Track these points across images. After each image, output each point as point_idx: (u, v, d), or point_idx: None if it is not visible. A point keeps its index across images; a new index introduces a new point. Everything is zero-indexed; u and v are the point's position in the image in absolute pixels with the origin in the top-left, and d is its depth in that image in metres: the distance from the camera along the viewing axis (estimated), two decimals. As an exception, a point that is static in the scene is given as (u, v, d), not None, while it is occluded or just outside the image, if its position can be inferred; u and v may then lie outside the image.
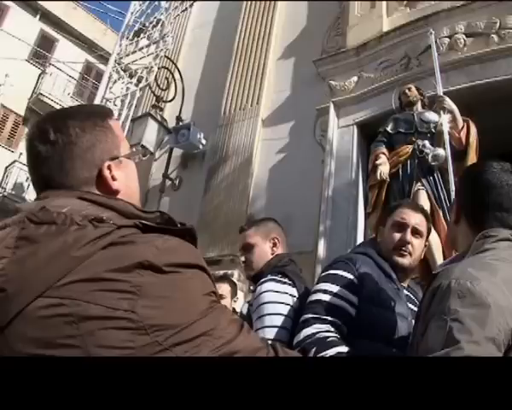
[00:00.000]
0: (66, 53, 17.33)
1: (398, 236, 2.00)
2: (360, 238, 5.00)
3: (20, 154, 15.96)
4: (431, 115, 4.29)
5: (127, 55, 7.41)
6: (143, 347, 0.77)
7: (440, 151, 4.01)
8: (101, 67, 15.98)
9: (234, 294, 3.92)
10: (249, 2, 7.62)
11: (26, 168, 15.25)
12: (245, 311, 3.37)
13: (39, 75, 17.22)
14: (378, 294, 1.84)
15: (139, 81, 7.03)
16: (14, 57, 15.13)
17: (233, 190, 6.37)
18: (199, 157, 7.18)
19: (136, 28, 7.56)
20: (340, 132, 5.66)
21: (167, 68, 7.55)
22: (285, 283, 2.04)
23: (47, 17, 17.65)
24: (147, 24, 7.49)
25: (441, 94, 4.17)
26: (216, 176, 6.65)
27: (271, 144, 6.44)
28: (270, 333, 1.88)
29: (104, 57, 14.77)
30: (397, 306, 1.84)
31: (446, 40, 5.04)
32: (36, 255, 0.81)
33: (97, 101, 6.93)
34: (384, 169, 4.26)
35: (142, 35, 7.59)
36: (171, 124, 7.35)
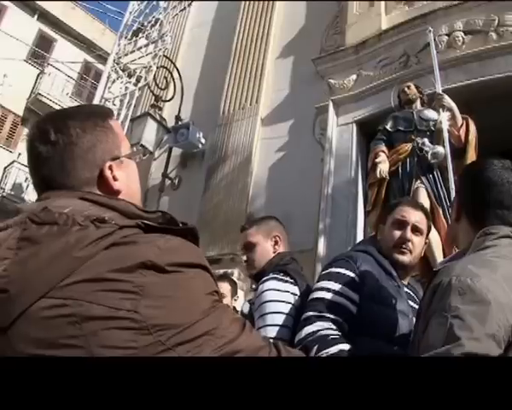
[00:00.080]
0: (65, 53, 17.30)
1: (398, 233, 2.00)
2: (360, 236, 5.00)
3: (19, 154, 15.94)
4: (430, 113, 4.29)
5: (126, 55, 7.40)
6: (146, 347, 0.77)
7: (440, 149, 4.02)
8: (100, 66, 15.97)
9: (234, 293, 3.93)
10: (248, 2, 7.62)
11: (24, 169, 15.28)
12: (245, 310, 3.37)
13: (38, 75, 17.20)
14: (379, 291, 1.84)
15: (138, 81, 7.03)
16: (12, 57, 15.10)
17: (232, 189, 6.37)
18: (198, 156, 7.18)
19: (134, 28, 7.55)
20: (340, 131, 5.66)
21: (166, 68, 7.54)
22: (287, 281, 2.04)
23: (45, 17, 17.62)
24: (145, 23, 7.48)
25: (440, 92, 4.18)
26: (215, 175, 6.65)
27: (271, 143, 6.44)
28: (272, 332, 1.88)
29: (103, 57, 14.74)
30: (398, 303, 1.85)
31: (445, 38, 5.04)
32: (38, 256, 0.81)
33: (96, 100, 6.93)
34: (384, 167, 4.26)
35: (140, 35, 7.58)
36: (171, 123, 7.34)
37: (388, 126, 4.44)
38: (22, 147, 16.02)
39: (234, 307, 3.50)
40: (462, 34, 5.00)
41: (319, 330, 1.71)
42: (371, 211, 4.47)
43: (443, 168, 4.04)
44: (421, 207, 2.16)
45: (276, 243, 2.25)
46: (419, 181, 4.11)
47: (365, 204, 4.93)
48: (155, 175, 7.37)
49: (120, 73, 7.03)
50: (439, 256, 3.75)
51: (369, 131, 5.24)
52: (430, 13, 5.20)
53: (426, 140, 4.15)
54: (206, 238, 5.80)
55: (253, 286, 2.61)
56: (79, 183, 0.96)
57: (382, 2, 5.86)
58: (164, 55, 7.37)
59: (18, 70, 16.13)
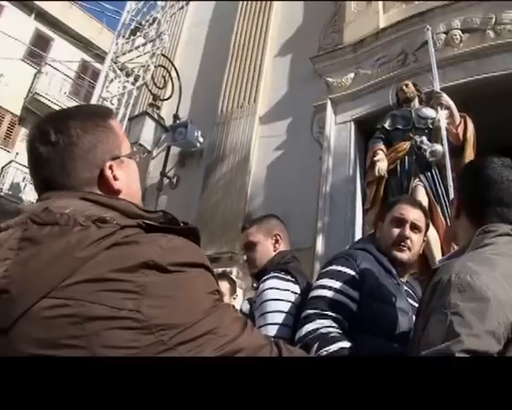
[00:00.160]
0: (62, 52, 17.27)
1: (397, 231, 2.01)
2: (358, 234, 5.01)
3: (17, 154, 15.92)
4: (428, 111, 4.29)
5: (124, 54, 7.38)
6: (148, 346, 0.77)
7: (438, 147, 4.02)
8: (98, 66, 15.94)
9: (233, 291, 3.93)
10: (246, 1, 7.61)
11: (22, 168, 15.26)
12: (245, 308, 3.38)
13: (35, 74, 17.17)
14: (379, 289, 1.85)
15: (136, 80, 7.02)
16: (9, 57, 15.07)
17: (231, 188, 6.37)
18: (196, 155, 7.17)
19: (132, 27, 7.54)
20: (338, 129, 5.66)
21: (164, 67, 7.53)
22: (287, 280, 2.04)
23: (42, 16, 17.58)
24: (143, 22, 7.46)
25: (438, 90, 4.18)
26: (213, 174, 6.65)
27: (269, 142, 6.43)
28: (272, 330, 1.88)
29: (100, 56, 14.72)
30: (397, 301, 1.85)
31: (443, 36, 5.04)
32: (39, 256, 0.81)
33: (94, 100, 6.92)
34: (382, 165, 4.26)
35: (138, 33, 7.56)
36: (169, 122, 7.34)
37: (387, 125, 4.44)
38: (20, 147, 16.02)
39: (233, 306, 3.49)
40: (460, 32, 5.00)
41: (319, 328, 1.72)
42: (370, 209, 4.47)
43: (441, 166, 4.04)
44: (419, 205, 2.18)
45: (276, 241, 2.26)
46: (417, 179, 4.11)
47: (363, 202, 4.93)
48: (153, 174, 7.37)
49: (118, 72, 7.02)
50: (437, 254, 3.76)
51: (367, 130, 5.24)
52: (428, 11, 5.20)
53: (424, 138, 4.15)
54: (205, 237, 5.79)
55: (254, 285, 2.61)
56: (80, 183, 0.96)
57: (380, 1, 5.86)
58: (162, 54, 7.36)
59: (15, 69, 16.11)
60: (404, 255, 1.99)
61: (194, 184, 6.77)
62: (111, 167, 0.99)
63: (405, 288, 2.00)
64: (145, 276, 0.80)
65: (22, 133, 16.53)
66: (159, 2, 7.64)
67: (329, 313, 1.77)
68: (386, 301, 1.84)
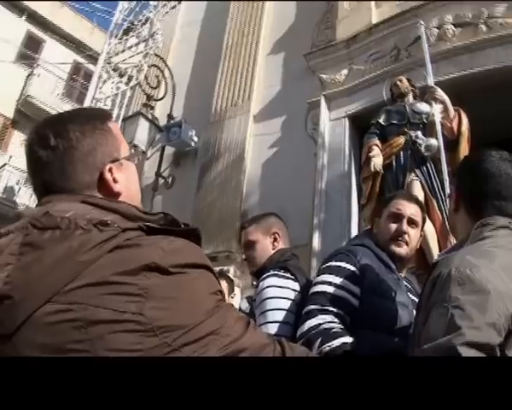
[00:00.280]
0: (54, 53, 17.20)
1: (394, 226, 2.02)
2: (354, 230, 5.02)
3: (10, 157, 15.83)
4: (423, 106, 4.30)
5: (116, 55, 7.35)
6: (152, 349, 0.77)
7: (433, 141, 4.03)
8: (90, 67, 15.87)
9: (231, 290, 3.94)
10: (238, 0, 7.60)
11: (16, 172, 15.21)
12: (244, 307, 3.38)
13: (27, 77, 17.08)
14: (379, 284, 1.86)
15: (129, 80, 6.99)
16: (0, 59, 14.98)
17: (226, 187, 6.37)
18: (191, 154, 7.16)
19: (124, 27, 7.50)
20: (332, 125, 5.66)
21: (157, 66, 7.52)
22: (287, 277, 2.04)
23: (33, 17, 17.46)
24: (135, 22, 7.43)
25: (432, 85, 4.19)
26: (209, 173, 6.64)
27: (263, 140, 6.43)
28: (273, 328, 1.89)
29: (92, 57, 14.66)
30: (398, 295, 1.87)
31: (435, 31, 5.05)
32: (41, 261, 0.81)
33: (87, 101, 6.89)
34: (377, 161, 4.27)
35: (131, 34, 7.53)
36: (163, 122, 7.32)
37: (381, 120, 4.44)
38: (13, 150, 15.95)
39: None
40: (453, 27, 5.01)
41: (322, 324, 1.72)
42: (366, 205, 4.48)
43: (436, 160, 4.05)
44: (415, 200, 2.19)
45: (275, 239, 2.26)
46: (413, 174, 4.12)
47: (359, 198, 4.94)
48: (148, 174, 7.35)
49: (111, 72, 6.99)
50: (434, 248, 3.78)
51: (361, 125, 5.25)
52: (420, 6, 5.21)
53: (419, 133, 4.16)
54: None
55: (254, 283, 2.62)
56: (80, 186, 0.96)
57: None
58: (155, 54, 7.34)
59: (7, 72, 15.99)
60: (402, 250, 2.00)
61: (189, 184, 6.76)
62: (110, 170, 0.99)
63: (404, 283, 2.01)
64: (147, 278, 0.80)
65: (15, 136, 16.46)
66: (151, 2, 7.60)
67: (331, 309, 1.78)
68: (387, 296, 1.85)
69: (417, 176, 4.10)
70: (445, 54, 4.96)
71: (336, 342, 1.64)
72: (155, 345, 0.78)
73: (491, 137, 3.76)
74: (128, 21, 7.45)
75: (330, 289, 1.83)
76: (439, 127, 4.01)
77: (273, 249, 2.23)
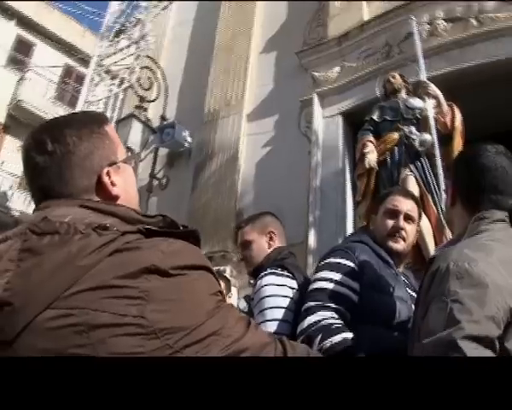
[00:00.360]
0: (45, 56, 17.12)
1: (391, 222, 2.03)
2: (349, 227, 5.04)
3: (3, 162, 15.75)
4: (416, 102, 4.31)
5: (108, 57, 7.33)
6: (154, 351, 0.77)
7: (427, 136, 4.04)
8: (82, 69, 15.81)
9: (228, 290, 3.94)
10: (228, 0, 7.59)
11: (9, 177, 15.14)
12: (241, 306, 3.38)
13: (18, 81, 16.99)
14: (378, 280, 1.86)
15: (121, 82, 6.97)
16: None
17: (221, 187, 6.37)
18: (185, 155, 7.16)
19: (115, 29, 7.48)
20: (326, 122, 5.68)
21: (149, 68, 7.50)
22: (285, 276, 2.04)
23: (23, 21, 17.37)
24: (126, 24, 7.41)
25: (425, 80, 4.20)
26: (203, 173, 6.64)
27: (257, 139, 6.44)
28: (272, 327, 1.89)
29: (84, 60, 14.59)
30: (396, 290, 1.87)
31: (427, 26, 5.07)
32: (41, 267, 0.81)
33: (80, 104, 6.87)
34: (372, 157, 4.28)
35: (122, 35, 7.51)
36: (157, 123, 7.31)
37: (375, 117, 4.45)
38: (5, 155, 15.86)
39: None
40: (444, 22, 5.03)
41: (322, 320, 1.73)
42: (361, 201, 4.49)
43: (430, 155, 4.07)
44: (411, 196, 2.20)
45: (271, 238, 2.26)
46: (407, 169, 4.13)
47: (354, 195, 4.96)
48: (142, 176, 7.32)
49: (103, 75, 6.97)
50: (430, 243, 3.79)
51: (355, 122, 5.26)
52: (411, 2, 5.23)
53: (413, 128, 4.17)
54: (197, 237, 5.77)
55: (252, 281, 2.62)
56: (78, 190, 0.96)
57: (364, -3, 5.89)
58: (147, 56, 7.32)
59: (-3, 77, 15.94)
60: (399, 246, 2.01)
61: (183, 185, 6.76)
62: (108, 173, 0.99)
63: (402, 278, 2.02)
64: (148, 281, 0.80)
65: (7, 141, 16.37)
66: (142, 3, 7.58)
67: (331, 305, 1.78)
68: (386, 291, 1.85)
69: (412, 171, 4.11)
70: (437, 49, 4.98)
71: (336, 338, 1.65)
72: (157, 347, 0.78)
73: (480, 132, 3.77)
74: (119, 23, 7.43)
75: (330, 286, 1.83)
76: (432, 122, 4.03)
77: (269, 248, 2.24)
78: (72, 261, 0.80)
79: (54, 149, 0.95)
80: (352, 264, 1.88)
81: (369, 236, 2.07)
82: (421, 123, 4.18)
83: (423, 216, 3.06)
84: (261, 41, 7.09)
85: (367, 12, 5.77)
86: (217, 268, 5.14)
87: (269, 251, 2.22)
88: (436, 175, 3.93)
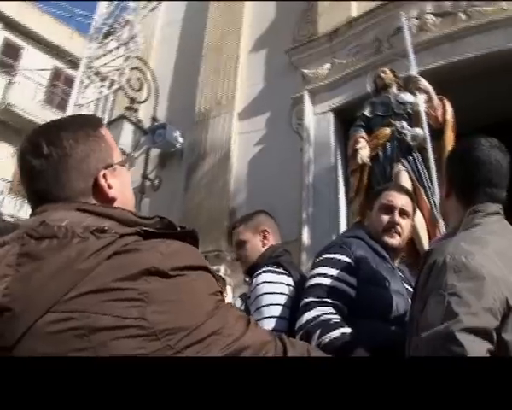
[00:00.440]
0: (33, 60, 17.01)
1: (386, 218, 2.04)
2: (343, 223, 5.04)
3: (-7, 166, 15.62)
4: (407, 96, 4.32)
5: (97, 59, 7.30)
6: (155, 352, 0.77)
7: (419, 131, 4.06)
8: (70, 72, 15.72)
9: (223, 289, 3.93)
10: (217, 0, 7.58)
11: (0, 181, 15.03)
12: (237, 305, 3.39)
13: (6, 85, 16.86)
14: (375, 274, 1.87)
15: (111, 84, 6.94)
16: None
17: (213, 186, 6.36)
18: (177, 155, 7.14)
19: (104, 30, 7.44)
20: (317, 119, 5.68)
21: (139, 69, 7.47)
22: (280, 273, 2.05)
23: (10, 25, 17.24)
24: (115, 25, 7.38)
25: (416, 75, 4.21)
26: (195, 173, 6.63)
27: (249, 137, 6.43)
28: (269, 324, 1.89)
29: (73, 62, 14.50)
30: (392, 284, 1.89)
31: (416, 21, 5.08)
32: (40, 271, 0.81)
33: (70, 107, 6.84)
34: (364, 153, 4.29)
35: (111, 37, 7.48)
36: (148, 124, 7.29)
37: (366, 112, 4.46)
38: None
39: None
40: (433, 17, 5.04)
41: (320, 315, 1.73)
42: (354, 197, 4.50)
43: (422, 149, 4.08)
44: (406, 191, 2.22)
45: (264, 237, 2.27)
46: (400, 164, 4.14)
47: (347, 191, 4.97)
48: (134, 177, 7.28)
49: (93, 77, 6.94)
50: (423, 236, 3.81)
51: (346, 118, 5.26)
52: (400, -3, 5.24)
53: (404, 123, 4.18)
54: (191, 237, 5.76)
55: (247, 279, 2.63)
56: (75, 194, 0.96)
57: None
58: (136, 57, 7.30)
59: (-15, 81, 15.81)
60: (394, 241, 2.03)
61: (176, 185, 6.74)
62: (105, 176, 0.99)
63: (398, 272, 2.03)
64: (147, 283, 0.80)
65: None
66: (130, 4, 7.55)
67: (329, 300, 1.78)
68: (383, 286, 1.86)
69: (404, 166, 4.12)
70: (426, 44, 4.99)
71: (335, 333, 1.65)
72: (158, 348, 0.78)
73: (471, 125, 3.79)
74: (107, 25, 7.40)
75: (327, 281, 1.84)
76: (423, 117, 4.04)
77: (263, 247, 2.24)
78: (72, 265, 0.80)
79: (50, 153, 0.95)
80: (348, 259, 1.89)
81: (365, 231, 2.08)
82: (413, 118, 4.20)
83: (417, 211, 3.07)
84: (250, 40, 7.08)
85: (356, 8, 5.77)
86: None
87: (263, 249, 2.23)
88: (428, 169, 3.95)
